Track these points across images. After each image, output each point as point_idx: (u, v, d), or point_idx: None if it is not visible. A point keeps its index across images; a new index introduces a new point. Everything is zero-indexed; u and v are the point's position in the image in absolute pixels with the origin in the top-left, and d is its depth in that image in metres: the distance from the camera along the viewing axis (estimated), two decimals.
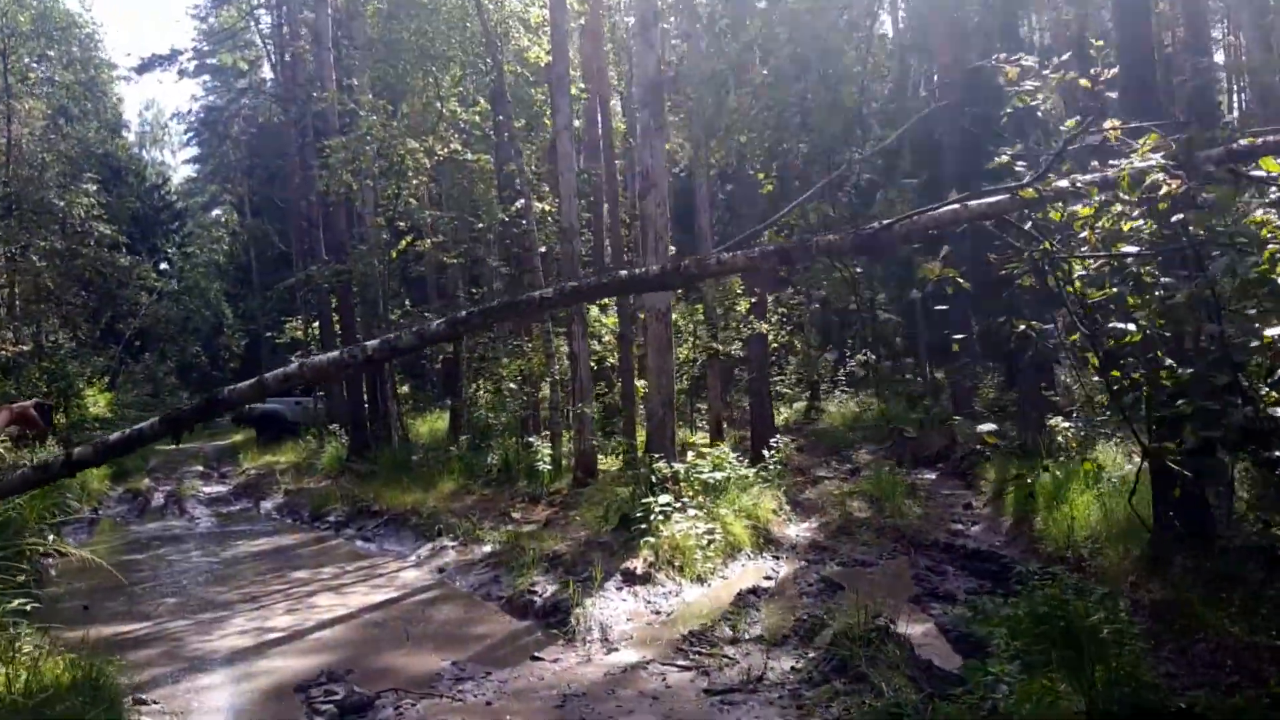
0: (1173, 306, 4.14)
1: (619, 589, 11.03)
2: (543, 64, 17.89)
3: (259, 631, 10.96)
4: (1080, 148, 4.58)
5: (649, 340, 13.46)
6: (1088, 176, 4.46)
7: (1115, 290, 4.39)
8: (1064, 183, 4.40)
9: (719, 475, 13.37)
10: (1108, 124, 4.46)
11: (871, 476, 17.73)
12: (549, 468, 17.39)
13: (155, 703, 8.09)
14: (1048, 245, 4.42)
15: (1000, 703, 5.82)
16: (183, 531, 19.37)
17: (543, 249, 19.54)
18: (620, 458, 18.40)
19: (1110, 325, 4.22)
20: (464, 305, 22.77)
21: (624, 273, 4.61)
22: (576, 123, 19.39)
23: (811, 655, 7.92)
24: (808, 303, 32.76)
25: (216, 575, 14.43)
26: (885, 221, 4.64)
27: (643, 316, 15.27)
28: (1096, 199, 4.27)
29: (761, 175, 9.56)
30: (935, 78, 20.51)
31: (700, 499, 12.87)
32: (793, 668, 7.70)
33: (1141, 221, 4.38)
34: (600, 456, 18.09)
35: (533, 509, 16.71)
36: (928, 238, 5.05)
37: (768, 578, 11.75)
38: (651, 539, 11.72)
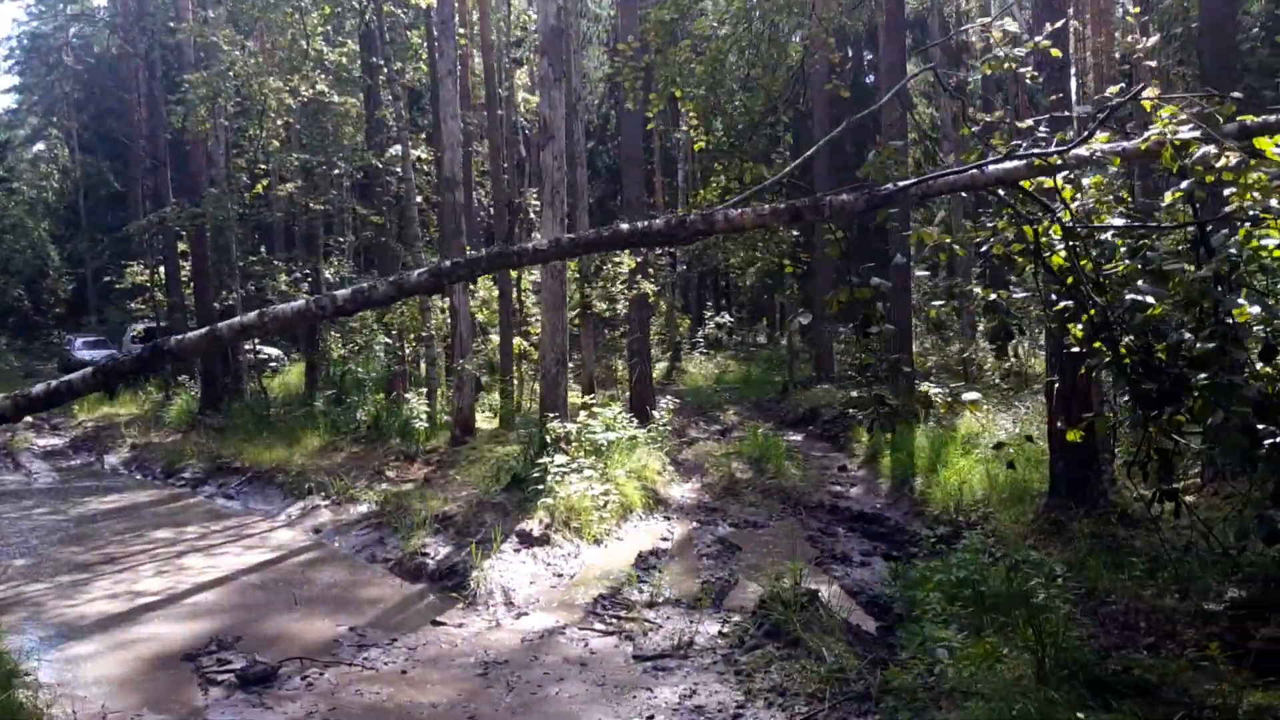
0: (1195, 280, 4.17)
1: (516, 551, 10.77)
2: (424, 5, 17.12)
3: (129, 595, 10.27)
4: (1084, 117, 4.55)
5: (543, 296, 13.13)
6: (1108, 146, 4.43)
7: (1128, 264, 4.39)
8: (1083, 150, 4.35)
9: (611, 436, 13.19)
10: (1148, 92, 4.42)
11: (746, 438, 17.90)
12: (425, 425, 16.89)
13: (26, 674, 7.42)
14: (1070, 214, 4.37)
15: (946, 669, 5.84)
16: (19, 487, 18.09)
17: (419, 199, 18.85)
18: (498, 415, 18.06)
19: (1130, 297, 4.21)
20: (332, 253, 21.89)
21: (625, 226, 4.33)
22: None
23: (737, 619, 7.86)
24: (673, 265, 32.86)
25: (69, 535, 13.48)
26: (902, 183, 4.51)
27: (532, 273, 14.92)
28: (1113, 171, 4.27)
29: (694, 130, 9.29)
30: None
31: (593, 459, 12.68)
32: (720, 632, 7.61)
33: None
34: (478, 414, 17.69)
35: (408, 467, 16.21)
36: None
37: (664, 539, 11.68)
38: (549, 500, 11.47)
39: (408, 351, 20.60)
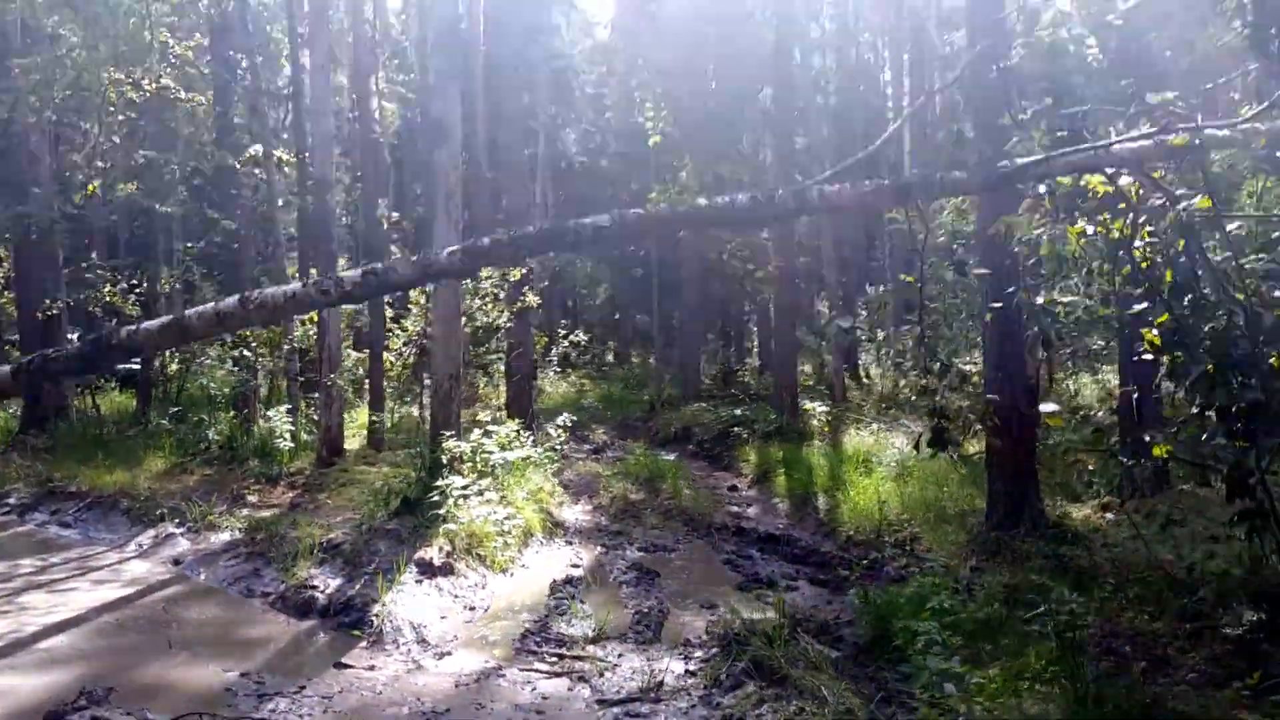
0: None
1: (419, 582, 9.85)
2: None
3: None
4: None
5: (436, 307, 12.22)
6: (1263, 125, 4.01)
7: (1262, 259, 4.01)
8: (1224, 130, 3.93)
9: (509, 456, 12.37)
10: None
11: (628, 458, 17.34)
12: (289, 446, 15.63)
13: None
14: (1206, 201, 3.92)
15: (963, 705, 5.35)
16: None
17: (281, 203, 17.57)
18: (367, 435, 16.93)
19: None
20: (187, 261, 20.23)
21: (703, 202, 3.68)
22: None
23: (701, 655, 7.20)
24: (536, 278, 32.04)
25: None
26: (1022, 161, 3.99)
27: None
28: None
29: (650, 122, 8.65)
30: None
31: (491, 481, 11.84)
32: (688, 670, 6.94)
33: None
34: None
35: (271, 491, 14.95)
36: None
37: (574, 566, 10.94)
38: (450, 526, 10.58)
39: (261, 365, 19.15)
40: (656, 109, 8.10)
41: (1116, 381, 19.08)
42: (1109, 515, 10.50)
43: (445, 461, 11.72)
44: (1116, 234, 4.34)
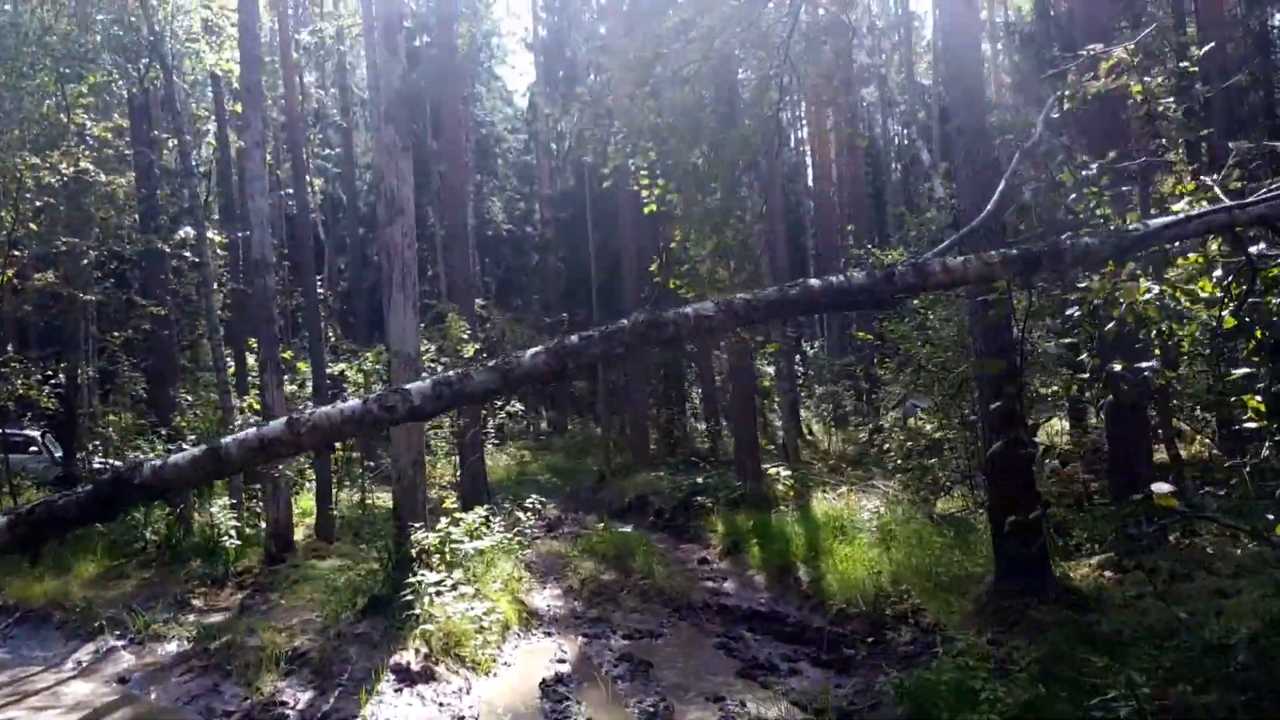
0: None
1: (398, 691, 9.15)
2: (220, 72, 15.37)
3: None
4: None
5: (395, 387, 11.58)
6: None
7: None
8: None
9: (480, 545, 11.72)
10: None
11: (588, 534, 16.75)
12: (236, 542, 14.72)
13: None
14: None
15: None
16: None
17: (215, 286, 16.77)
18: (315, 526, 16.09)
19: None
20: (112, 349, 19.23)
21: (816, 282, 3.25)
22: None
23: None
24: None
25: None
26: (1155, 223, 3.64)
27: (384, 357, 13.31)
28: None
29: (646, 189, 8.19)
30: None
31: (463, 573, 11.18)
32: None
33: None
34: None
35: (217, 593, 14.05)
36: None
37: (559, 660, 10.29)
38: (427, 626, 9.88)
39: None
40: (651, 175, 7.72)
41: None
42: (1109, 574, 10.21)
43: (414, 555, 11.02)
44: (1214, 294, 4.04)
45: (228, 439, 3.01)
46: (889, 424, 26.09)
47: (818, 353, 33.94)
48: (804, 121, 44.99)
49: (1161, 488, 3.80)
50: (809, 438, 28.76)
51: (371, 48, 19.32)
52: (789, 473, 17.46)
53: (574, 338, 3.18)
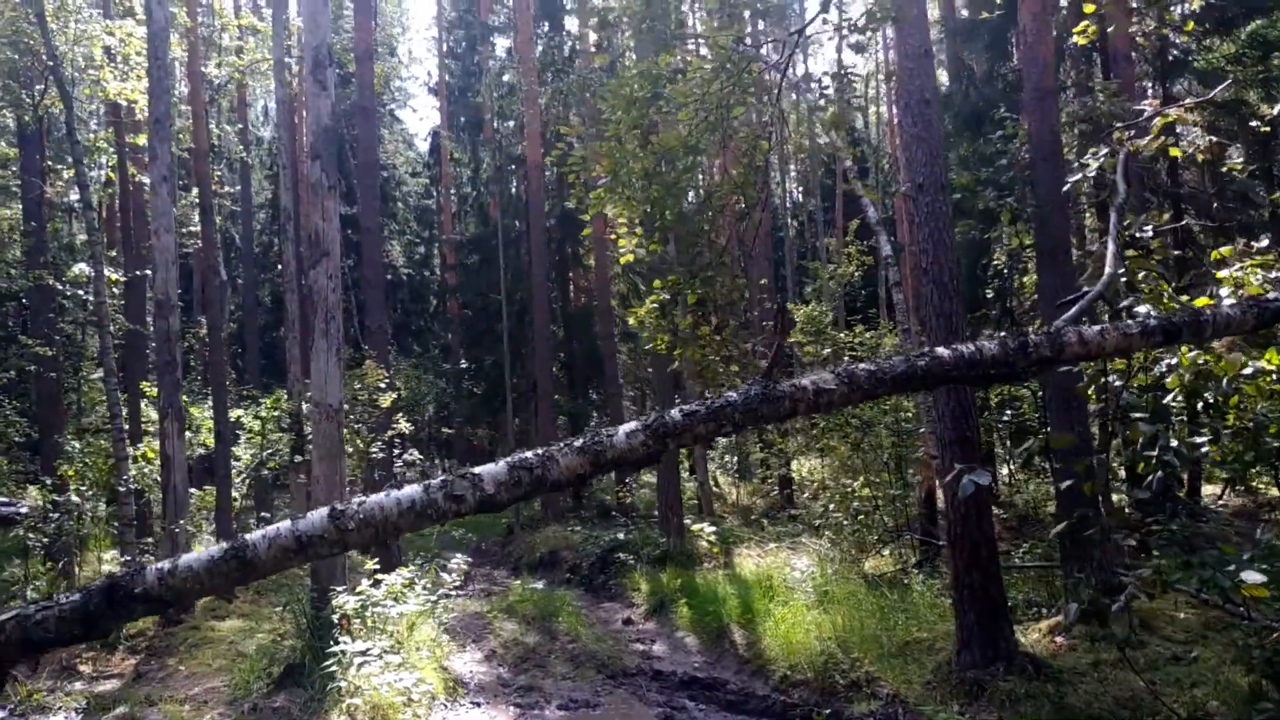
0: None
1: None
2: (125, 102, 14.50)
3: None
4: None
5: (316, 443, 10.87)
6: None
7: None
8: None
9: (405, 609, 11.01)
10: None
11: (510, 594, 16.09)
12: None
13: None
14: None
15: None
16: None
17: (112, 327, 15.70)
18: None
19: None
20: None
21: (945, 352, 2.88)
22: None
23: None
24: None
25: None
26: None
27: (307, 408, 12.53)
28: None
29: (622, 240, 7.76)
30: None
31: (389, 639, 10.46)
32: None
33: None
34: None
35: (107, 659, 13.01)
36: None
37: None
38: (353, 700, 9.15)
39: (81, 506, 16.94)
40: (630, 225, 7.29)
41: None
42: (1059, 639, 10.05)
43: (335, 620, 10.27)
44: None
45: (254, 535, 2.49)
46: (799, 478, 26.07)
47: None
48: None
49: (1254, 578, 3.49)
50: (715, 489, 28.51)
51: (283, 83, 18.60)
52: (713, 529, 17.07)
53: (675, 413, 2.74)
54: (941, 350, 3.01)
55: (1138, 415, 4.13)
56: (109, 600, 2.43)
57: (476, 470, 2.67)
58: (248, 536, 2.57)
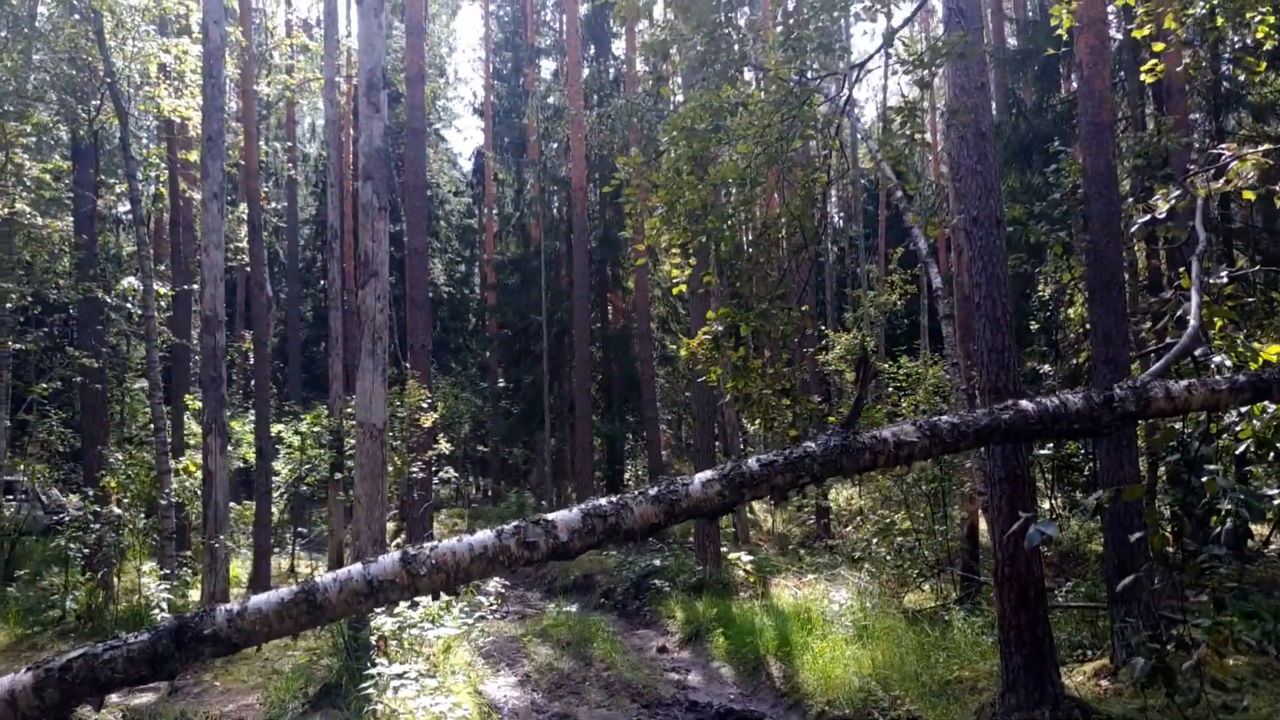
0: None
1: None
2: (178, 120, 14.70)
3: None
4: None
5: (358, 462, 10.88)
6: None
7: None
8: None
9: (442, 632, 10.96)
10: None
11: (544, 617, 16.02)
12: (166, 614, 13.71)
13: None
14: None
15: None
16: None
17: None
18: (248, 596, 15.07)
19: None
20: (36, 400, 18.11)
21: (1029, 405, 2.82)
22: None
23: None
24: None
25: None
26: None
27: (348, 425, 12.58)
28: None
29: (675, 269, 7.73)
30: None
31: (425, 662, 10.42)
32: None
33: None
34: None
35: None
36: None
37: None
38: None
39: (122, 517, 17.08)
40: (684, 254, 7.26)
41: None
42: (1104, 682, 9.84)
43: (373, 641, 10.24)
44: None
45: (325, 578, 2.46)
46: (835, 507, 25.88)
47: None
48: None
49: None
50: (749, 517, 28.34)
51: (333, 103, 18.78)
52: (750, 558, 16.93)
53: (753, 463, 2.68)
54: (1026, 404, 2.93)
55: (1211, 468, 4.03)
56: (178, 641, 2.40)
57: (550, 517, 2.62)
58: (318, 579, 2.53)
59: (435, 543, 2.60)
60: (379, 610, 10.52)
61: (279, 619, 2.48)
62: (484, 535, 2.62)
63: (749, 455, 2.69)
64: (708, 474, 2.69)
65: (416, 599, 11.31)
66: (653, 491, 2.66)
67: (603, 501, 2.62)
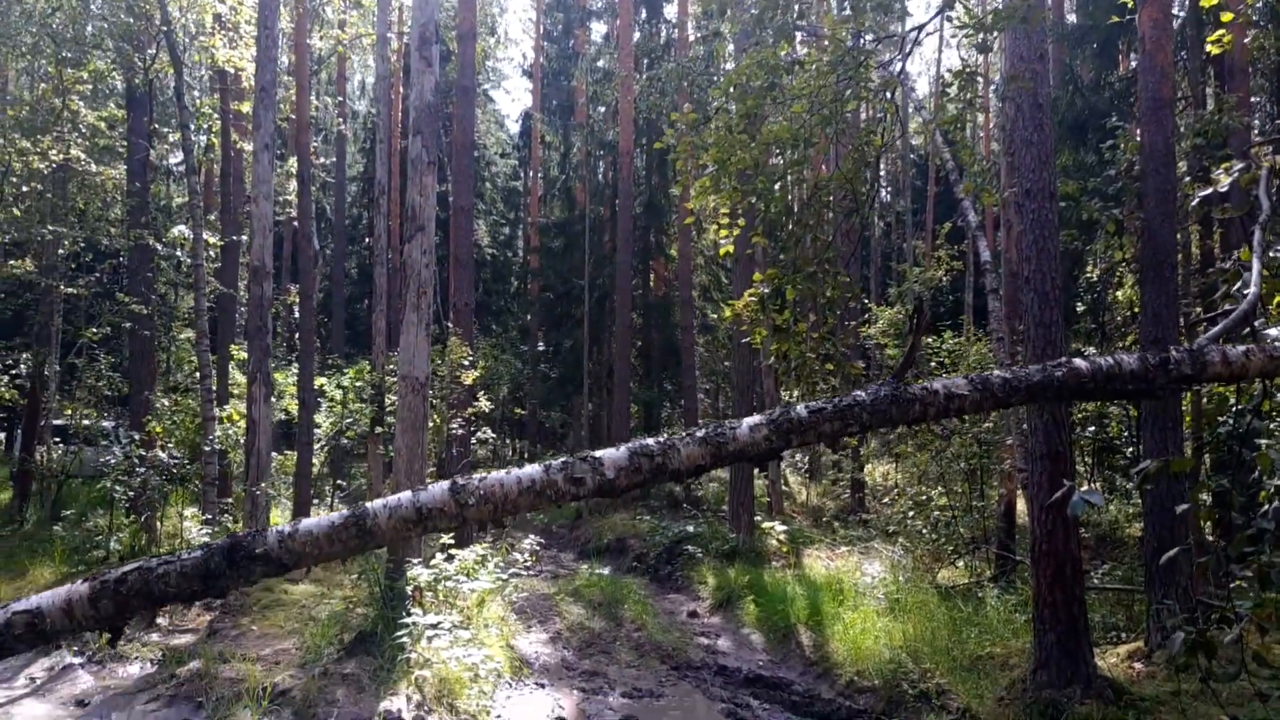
0: None
1: None
2: (232, 69, 14.78)
3: None
4: None
5: (400, 415, 10.97)
6: None
7: None
8: None
9: (477, 585, 11.09)
10: None
11: (577, 578, 16.15)
12: None
13: None
14: None
15: None
16: None
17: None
18: None
19: None
20: (87, 344, 18.44)
21: (1082, 364, 2.80)
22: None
23: None
24: None
25: None
26: None
27: (389, 380, 12.70)
28: None
29: (725, 229, 7.69)
30: None
31: (459, 614, 10.55)
32: None
33: None
34: None
35: (184, 613, 13.33)
36: None
37: (559, 718, 9.65)
38: (423, 672, 9.24)
39: (167, 462, 17.36)
40: (732, 216, 7.21)
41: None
42: (1138, 665, 9.77)
43: (409, 592, 10.38)
44: None
45: (376, 504, 2.49)
46: (871, 482, 25.80)
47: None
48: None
49: None
50: (784, 489, 28.32)
51: (383, 59, 18.81)
52: (783, 528, 16.93)
53: (801, 409, 2.68)
54: (1079, 361, 2.90)
55: (1264, 442, 3.95)
56: (230, 559, 2.45)
57: (597, 454, 2.64)
58: (368, 505, 2.57)
59: (484, 474, 2.63)
60: (415, 561, 10.66)
61: (329, 541, 2.52)
62: (532, 469, 2.64)
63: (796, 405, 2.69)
64: (755, 419, 2.69)
65: (454, 552, 11.44)
66: (700, 433, 2.66)
67: (650, 441, 2.63)
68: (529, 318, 39.33)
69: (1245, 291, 3.89)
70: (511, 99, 75.19)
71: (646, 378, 31.38)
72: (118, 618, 2.43)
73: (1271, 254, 4.33)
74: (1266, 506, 4.15)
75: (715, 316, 30.06)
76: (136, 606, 2.41)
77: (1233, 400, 4.25)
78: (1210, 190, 5.22)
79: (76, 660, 11.54)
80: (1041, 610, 8.57)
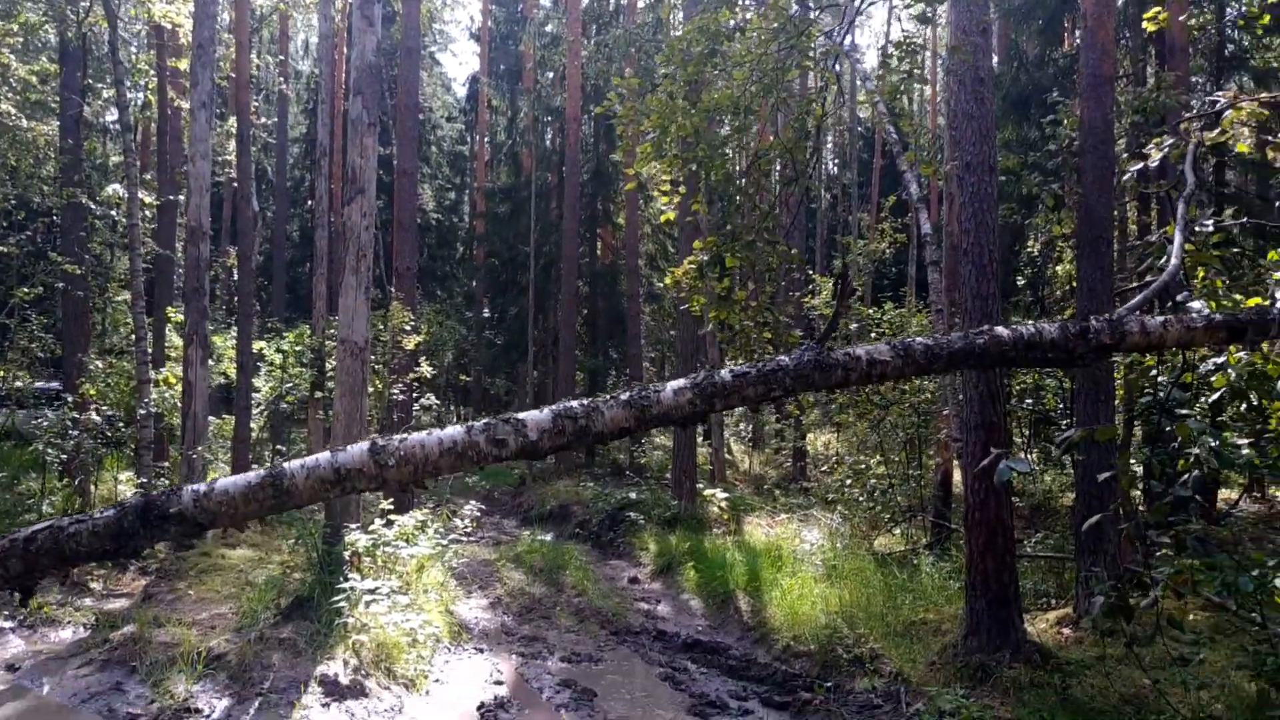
0: None
1: (325, 706, 8.46)
2: (169, 25, 14.42)
3: None
4: None
5: (339, 379, 10.87)
6: None
7: None
8: None
9: (416, 551, 11.05)
10: None
11: (518, 544, 16.18)
12: None
13: None
14: None
15: None
16: None
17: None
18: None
19: None
20: (18, 306, 17.98)
21: (1004, 331, 2.82)
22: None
23: None
24: None
25: None
26: None
27: (330, 345, 12.55)
28: None
29: (666, 196, 7.64)
30: None
31: (398, 579, 10.52)
32: None
33: None
34: None
35: (118, 578, 13.18)
36: None
37: (496, 681, 9.69)
38: (359, 636, 9.21)
39: (101, 425, 17.03)
40: (673, 183, 7.20)
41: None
42: (1067, 630, 10.01)
43: (346, 557, 10.32)
44: None
45: (294, 464, 2.46)
46: (813, 451, 26.06)
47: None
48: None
49: None
50: (727, 457, 28.52)
51: (327, 18, 18.47)
52: (725, 495, 17.07)
53: (725, 374, 2.68)
54: (1000, 330, 2.94)
55: (1184, 413, 4.05)
56: (143, 518, 2.41)
57: (520, 416, 2.63)
58: (285, 465, 2.54)
59: (405, 435, 2.61)
60: (354, 526, 10.60)
61: (245, 501, 2.49)
62: (454, 430, 2.63)
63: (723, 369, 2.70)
64: (680, 382, 2.69)
65: (393, 518, 11.40)
66: (624, 396, 2.66)
67: (574, 403, 2.63)
68: (475, 284, 39.03)
69: (1169, 264, 3.98)
70: (459, 62, 74.55)
71: (592, 346, 31.37)
72: (26, 577, 2.39)
73: (1197, 227, 4.43)
74: (1186, 475, 4.27)
75: (661, 285, 30.07)
76: (46, 566, 2.36)
77: (1155, 372, 4.35)
78: (1141, 165, 5.31)
79: (7, 625, 11.35)
80: (973, 577, 8.74)
